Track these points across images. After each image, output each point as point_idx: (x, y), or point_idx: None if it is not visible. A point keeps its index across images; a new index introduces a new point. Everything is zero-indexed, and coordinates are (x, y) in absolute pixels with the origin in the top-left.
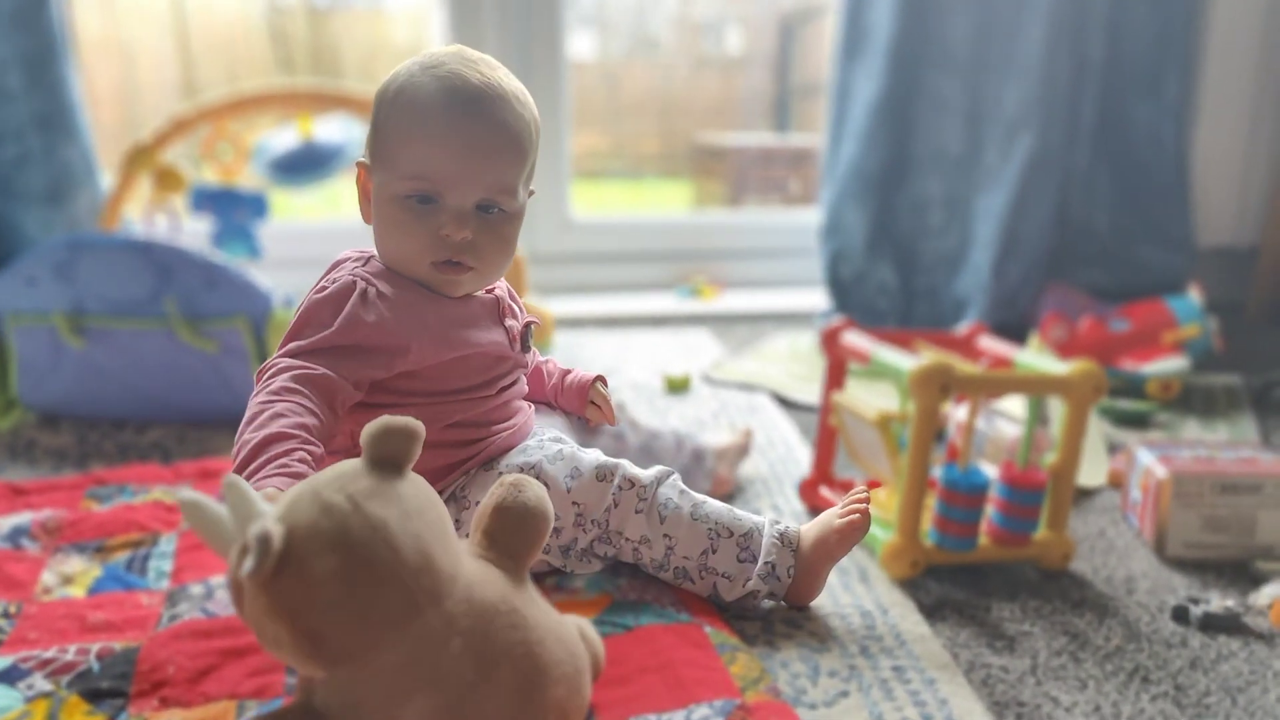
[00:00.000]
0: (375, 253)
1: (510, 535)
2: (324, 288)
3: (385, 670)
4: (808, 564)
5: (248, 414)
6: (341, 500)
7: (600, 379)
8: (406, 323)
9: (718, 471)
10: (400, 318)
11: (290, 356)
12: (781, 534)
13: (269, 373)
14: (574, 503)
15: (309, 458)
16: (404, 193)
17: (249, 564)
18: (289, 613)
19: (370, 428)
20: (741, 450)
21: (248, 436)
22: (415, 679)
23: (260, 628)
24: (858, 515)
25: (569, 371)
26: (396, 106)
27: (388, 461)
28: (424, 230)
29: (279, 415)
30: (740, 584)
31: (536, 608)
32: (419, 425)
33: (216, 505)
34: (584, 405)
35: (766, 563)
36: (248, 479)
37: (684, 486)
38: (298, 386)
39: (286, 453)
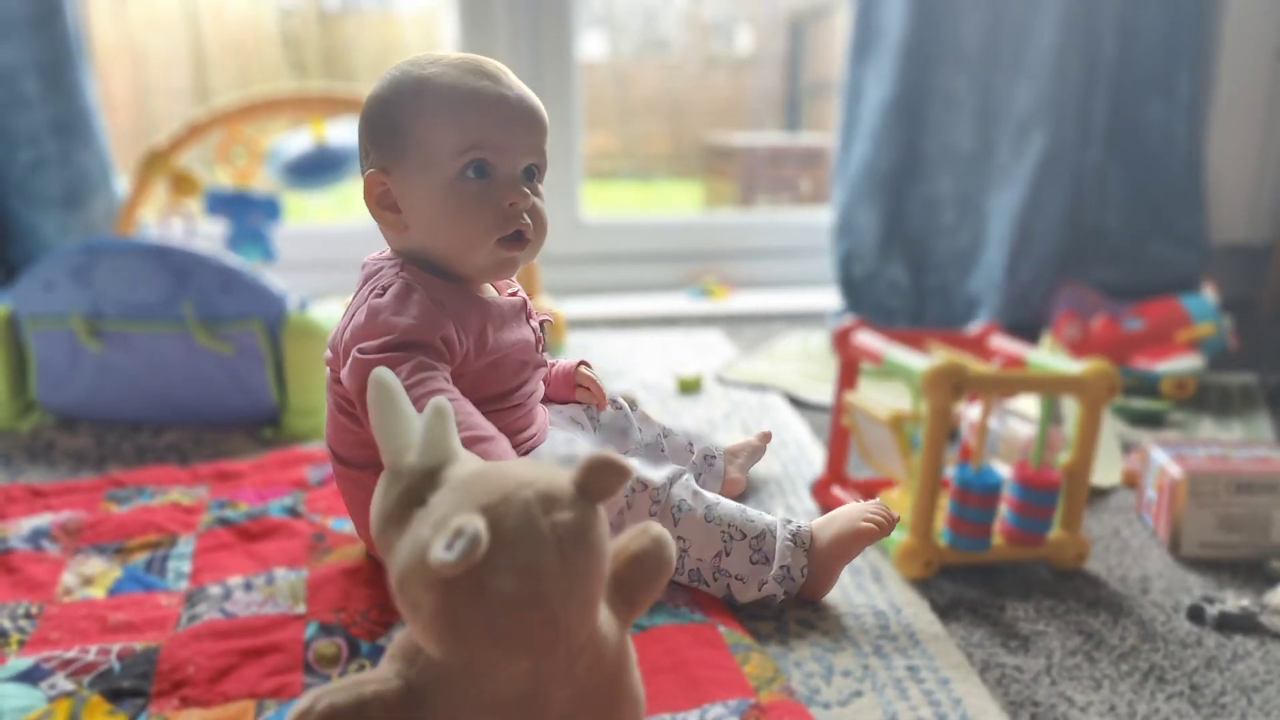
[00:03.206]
0: (398, 258)
1: (639, 587)
2: (379, 294)
3: (498, 685)
4: (822, 562)
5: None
6: (545, 529)
7: (583, 363)
8: (459, 322)
9: (728, 473)
10: (453, 317)
11: (388, 351)
12: (794, 535)
13: (398, 368)
14: None
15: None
16: (457, 171)
17: (447, 554)
18: (445, 596)
19: (590, 460)
20: (755, 452)
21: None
22: (517, 709)
23: (407, 586)
24: (882, 523)
25: (554, 364)
26: (422, 98)
27: (594, 493)
28: (487, 207)
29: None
30: (754, 586)
31: (631, 664)
32: (632, 466)
33: (407, 402)
34: (573, 391)
35: (782, 566)
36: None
37: (696, 487)
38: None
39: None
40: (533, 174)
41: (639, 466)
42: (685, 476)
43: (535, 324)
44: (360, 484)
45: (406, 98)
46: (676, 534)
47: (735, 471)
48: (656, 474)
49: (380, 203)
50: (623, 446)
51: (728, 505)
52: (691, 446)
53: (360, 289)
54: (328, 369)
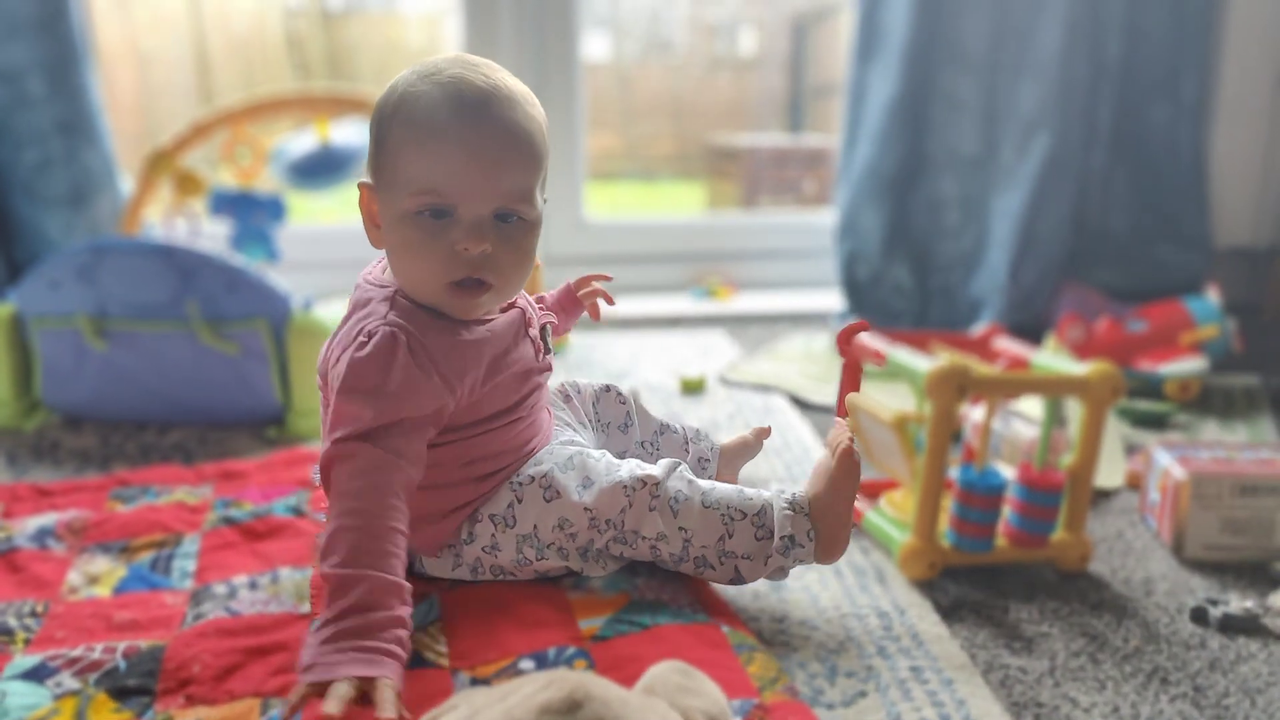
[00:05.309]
0: (389, 287)
1: None
2: (363, 343)
3: None
4: (824, 514)
5: (344, 525)
6: None
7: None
8: (450, 372)
9: (720, 475)
10: (443, 370)
11: (360, 439)
12: (790, 502)
13: (353, 469)
14: (586, 508)
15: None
16: (414, 209)
17: None
18: None
19: None
20: (750, 449)
21: (358, 573)
22: None
23: None
24: (845, 445)
25: (548, 298)
26: (398, 119)
27: None
28: (438, 248)
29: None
30: (762, 562)
31: None
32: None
33: None
34: (579, 307)
35: (783, 537)
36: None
37: (691, 476)
38: (395, 503)
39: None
40: (508, 216)
41: (636, 465)
42: (680, 468)
43: (535, 333)
44: None
45: (388, 113)
46: (678, 525)
47: (727, 472)
48: (653, 469)
49: (368, 215)
50: (623, 444)
51: (724, 488)
52: (688, 446)
53: (348, 317)
54: (320, 394)
